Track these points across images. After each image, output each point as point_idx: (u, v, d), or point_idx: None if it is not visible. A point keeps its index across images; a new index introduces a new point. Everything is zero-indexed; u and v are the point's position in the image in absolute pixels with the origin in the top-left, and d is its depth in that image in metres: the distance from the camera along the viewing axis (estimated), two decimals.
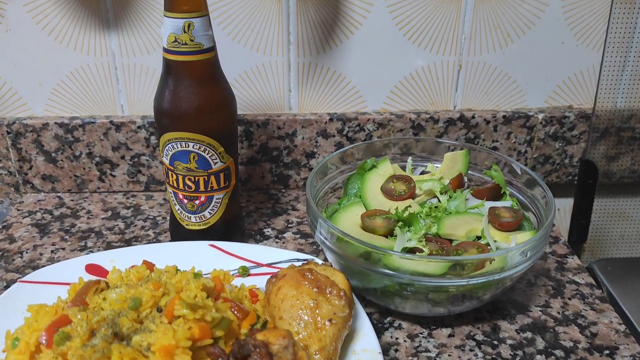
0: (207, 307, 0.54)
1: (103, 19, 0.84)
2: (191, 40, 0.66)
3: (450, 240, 0.70)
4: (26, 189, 0.94)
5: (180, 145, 0.70)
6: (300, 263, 0.71)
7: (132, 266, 0.71)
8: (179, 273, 0.63)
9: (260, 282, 0.70)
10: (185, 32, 0.66)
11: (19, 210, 0.90)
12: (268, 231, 0.85)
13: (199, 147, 0.70)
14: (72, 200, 0.93)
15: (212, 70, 0.70)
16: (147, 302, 0.55)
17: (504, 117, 0.92)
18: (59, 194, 0.94)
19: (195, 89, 0.68)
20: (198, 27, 0.66)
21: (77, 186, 0.94)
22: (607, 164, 0.95)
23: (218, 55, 0.70)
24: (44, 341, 0.52)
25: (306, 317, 0.58)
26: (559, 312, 0.71)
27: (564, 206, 1.02)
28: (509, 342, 0.66)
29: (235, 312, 0.58)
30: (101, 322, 0.52)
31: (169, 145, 0.71)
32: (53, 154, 0.91)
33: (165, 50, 0.68)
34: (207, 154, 0.71)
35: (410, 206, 0.72)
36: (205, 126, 0.69)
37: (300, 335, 0.57)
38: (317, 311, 0.58)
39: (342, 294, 0.60)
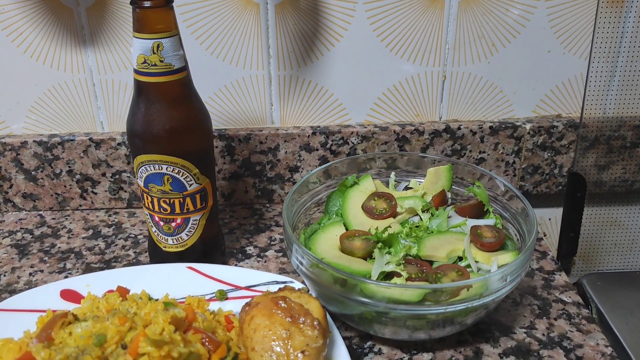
0: (175, 342, 0.53)
1: (79, 35, 0.83)
2: (161, 61, 0.65)
3: (431, 262, 0.68)
4: (7, 208, 0.92)
5: (154, 168, 0.69)
6: (277, 287, 0.69)
7: (109, 291, 0.70)
8: (150, 302, 0.61)
9: (237, 307, 0.68)
10: (154, 52, 0.64)
11: None
12: (250, 249, 0.84)
13: (173, 170, 0.69)
14: (53, 218, 0.91)
15: (184, 91, 0.68)
16: (112, 337, 0.53)
17: (490, 127, 0.90)
18: (40, 212, 0.93)
19: (166, 111, 0.67)
20: (167, 47, 0.65)
21: (58, 204, 0.92)
22: (598, 174, 0.93)
23: (190, 75, 0.69)
24: None
25: (278, 349, 0.56)
26: (544, 334, 0.69)
27: (555, 216, 1.00)
28: None
29: (207, 343, 0.57)
30: (65, 359, 0.51)
31: (143, 167, 0.69)
32: (33, 172, 0.89)
33: (135, 71, 0.66)
34: (182, 175, 0.69)
35: (390, 226, 0.71)
36: (178, 148, 0.68)
37: None
38: (290, 342, 0.57)
39: (315, 323, 0.58)
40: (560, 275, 0.79)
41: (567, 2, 0.84)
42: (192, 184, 0.70)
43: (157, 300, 0.64)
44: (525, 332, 0.69)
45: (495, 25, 0.85)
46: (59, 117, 0.88)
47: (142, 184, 0.71)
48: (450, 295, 0.60)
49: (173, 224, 0.73)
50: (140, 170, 0.70)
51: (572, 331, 0.70)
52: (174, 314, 0.57)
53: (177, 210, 0.71)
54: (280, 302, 0.60)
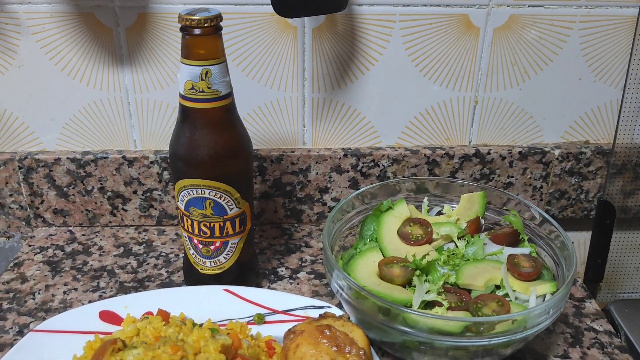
0: None
1: (117, 54, 0.83)
2: (208, 88, 0.65)
3: (469, 290, 0.69)
4: (37, 223, 0.93)
5: (196, 192, 0.69)
6: (316, 312, 0.70)
7: (147, 312, 0.70)
8: (196, 328, 0.62)
9: (276, 331, 0.69)
10: (202, 79, 0.65)
11: (30, 245, 0.89)
12: (282, 270, 0.85)
13: (215, 194, 0.69)
14: (83, 235, 0.92)
15: (229, 117, 0.69)
16: None
17: (519, 152, 0.91)
18: (70, 228, 0.93)
19: (212, 136, 0.67)
20: (215, 74, 0.65)
21: (88, 220, 0.93)
22: (624, 200, 0.94)
23: (235, 101, 0.69)
24: None
25: None
26: None
27: (579, 239, 1.01)
28: None
29: None
30: None
31: (185, 191, 0.70)
32: (65, 189, 0.90)
33: (182, 96, 0.67)
34: (223, 200, 0.70)
35: (428, 254, 0.71)
36: (221, 173, 0.69)
37: None
38: None
39: (361, 353, 0.59)
40: (590, 302, 0.80)
41: (600, 32, 0.85)
42: (232, 208, 0.71)
43: (200, 325, 0.65)
44: None
45: (529, 53, 0.86)
46: (93, 135, 0.89)
47: (182, 207, 0.71)
48: (490, 327, 0.61)
49: (212, 247, 0.73)
50: (181, 194, 0.70)
51: None
52: (223, 342, 0.58)
53: (217, 233, 0.72)
54: (326, 330, 0.61)
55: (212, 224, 0.71)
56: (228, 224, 0.72)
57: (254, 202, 0.89)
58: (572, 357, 0.71)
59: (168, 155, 0.88)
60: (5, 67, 0.83)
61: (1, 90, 0.85)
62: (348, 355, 0.59)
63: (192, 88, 0.66)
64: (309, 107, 0.88)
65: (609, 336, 0.74)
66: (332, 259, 0.67)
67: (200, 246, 0.73)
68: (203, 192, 0.69)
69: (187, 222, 0.72)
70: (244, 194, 0.72)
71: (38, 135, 0.89)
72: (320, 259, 0.87)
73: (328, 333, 0.60)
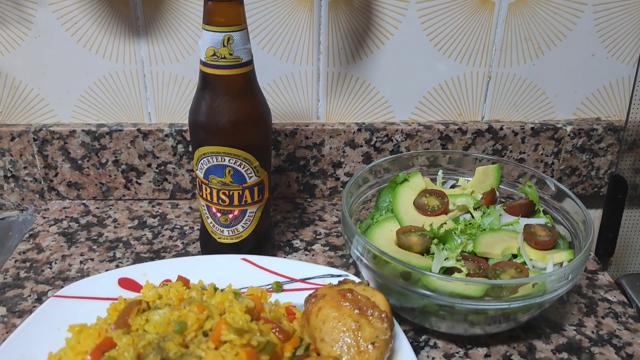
0: (252, 331, 0.54)
1: (133, 26, 0.83)
2: (230, 54, 0.66)
3: (486, 259, 0.69)
4: (51, 196, 0.93)
5: (216, 160, 0.70)
6: (334, 280, 0.71)
7: (166, 280, 0.71)
8: (219, 292, 0.62)
9: (294, 299, 0.69)
10: (224, 46, 0.65)
11: (44, 217, 0.89)
12: (297, 243, 0.85)
13: (235, 162, 0.70)
14: (97, 207, 0.92)
15: (250, 84, 0.69)
16: (192, 325, 0.54)
17: (532, 129, 0.92)
18: (84, 201, 0.93)
19: (233, 104, 0.68)
20: (237, 41, 0.65)
21: (102, 193, 0.93)
22: (635, 177, 0.94)
23: (255, 69, 0.69)
24: None
25: (349, 340, 0.58)
26: (593, 332, 0.71)
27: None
28: None
29: (277, 333, 0.58)
30: (147, 346, 0.52)
31: (204, 159, 0.70)
32: (79, 161, 0.90)
33: (203, 63, 0.67)
34: (243, 168, 0.70)
35: (445, 223, 0.72)
36: (242, 141, 0.69)
37: (344, 359, 0.56)
38: (360, 334, 0.58)
39: (383, 315, 0.60)
40: (603, 275, 0.81)
41: (614, 8, 0.85)
42: (252, 177, 0.71)
43: (222, 290, 0.65)
44: (575, 330, 0.71)
45: (543, 28, 0.86)
46: (108, 107, 0.89)
47: (201, 176, 0.72)
48: (510, 292, 0.61)
49: (230, 216, 0.74)
50: (201, 161, 0.71)
51: (620, 329, 0.71)
52: (247, 304, 0.59)
53: (236, 202, 0.72)
54: (348, 294, 0.61)
55: (231, 192, 0.72)
56: (247, 192, 0.72)
57: None
58: (587, 326, 0.72)
59: (186, 126, 0.88)
60: (22, 38, 0.83)
61: (17, 62, 0.85)
62: (370, 318, 0.59)
63: (214, 55, 0.66)
64: (324, 81, 0.89)
65: (623, 306, 0.75)
66: (352, 226, 0.67)
67: (219, 215, 0.74)
68: (223, 160, 0.70)
69: (206, 190, 0.72)
70: (263, 163, 0.72)
71: (53, 108, 0.89)
72: (335, 232, 0.88)
73: (350, 296, 0.61)
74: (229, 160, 0.70)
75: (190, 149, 0.90)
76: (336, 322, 0.59)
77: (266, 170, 0.73)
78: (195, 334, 0.54)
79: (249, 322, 0.55)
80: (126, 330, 0.55)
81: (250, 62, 0.68)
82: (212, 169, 0.70)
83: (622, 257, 0.99)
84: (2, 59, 0.85)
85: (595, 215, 1.00)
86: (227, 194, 0.72)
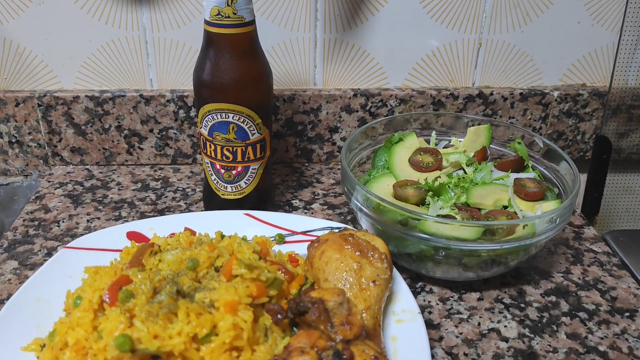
0: (261, 268, 0.57)
1: None
2: (234, 14, 0.68)
3: (479, 209, 0.73)
4: (55, 162, 0.95)
5: (220, 116, 0.73)
6: (336, 230, 0.74)
7: (172, 234, 0.73)
8: (226, 238, 0.65)
9: (296, 249, 0.73)
10: (228, 5, 0.68)
11: (49, 181, 0.92)
12: (296, 202, 0.88)
13: (239, 118, 0.73)
14: (100, 172, 0.95)
15: (253, 44, 0.72)
16: (204, 262, 0.57)
17: (520, 94, 0.95)
18: (87, 167, 0.96)
19: (237, 62, 0.71)
20: (241, 0, 0.68)
21: (105, 159, 0.96)
22: (618, 141, 0.99)
23: (257, 30, 0.72)
24: (107, 299, 0.55)
25: (351, 279, 0.61)
26: (579, 278, 0.75)
27: None
28: (535, 305, 0.70)
29: (283, 274, 0.61)
30: (162, 281, 0.55)
31: (209, 116, 0.73)
32: (82, 127, 0.92)
33: (208, 23, 0.70)
34: (246, 125, 0.73)
35: (439, 177, 0.75)
36: (245, 98, 0.72)
37: (348, 294, 0.60)
38: (361, 273, 0.61)
39: (383, 257, 0.63)
40: (589, 229, 0.85)
41: None
42: (254, 134, 0.74)
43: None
44: (562, 276, 0.75)
45: None
46: (110, 74, 0.91)
47: (206, 133, 0.75)
48: (503, 235, 0.65)
49: (233, 172, 0.77)
50: (206, 119, 0.74)
51: (605, 276, 0.75)
52: (254, 246, 0.62)
53: (239, 158, 0.75)
54: (349, 238, 0.64)
55: (234, 149, 0.75)
56: (250, 149, 0.75)
57: None
58: (574, 273, 0.76)
59: (188, 91, 0.91)
60: (26, 5, 0.86)
61: (21, 28, 0.87)
62: (371, 259, 0.63)
63: (218, 14, 0.68)
64: (321, 48, 0.92)
65: (607, 256, 0.79)
66: (353, 177, 0.70)
67: (223, 171, 0.77)
68: (227, 116, 0.72)
69: (210, 147, 0.75)
70: (265, 121, 0.75)
71: (57, 74, 0.91)
72: (332, 192, 0.91)
73: (351, 240, 0.64)
74: (233, 117, 0.72)
75: (191, 114, 0.92)
76: (339, 263, 0.62)
77: (268, 128, 0.76)
78: (207, 271, 0.57)
79: (257, 260, 0.59)
80: (141, 268, 0.58)
81: (252, 22, 0.71)
82: (217, 126, 0.73)
83: (606, 217, 1.03)
84: (6, 25, 0.87)
85: (581, 180, 1.04)
86: (231, 150, 0.75)
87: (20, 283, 0.71)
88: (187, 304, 0.51)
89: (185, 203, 0.87)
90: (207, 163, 0.78)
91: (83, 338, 0.53)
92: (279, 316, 0.54)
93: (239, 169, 0.76)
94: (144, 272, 0.56)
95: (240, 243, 0.61)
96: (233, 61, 0.70)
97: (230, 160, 0.75)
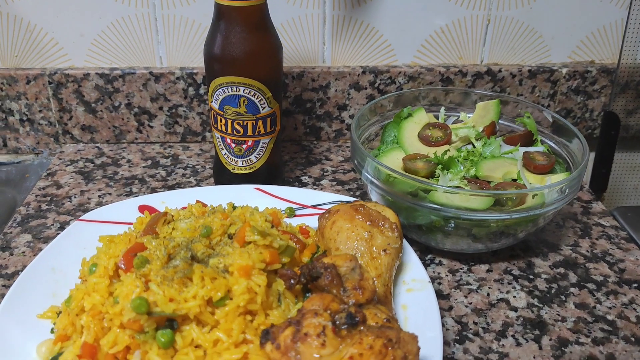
0: (273, 235, 0.58)
1: None
2: None
3: (488, 182, 0.73)
4: (65, 140, 0.96)
5: (231, 90, 0.73)
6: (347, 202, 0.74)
7: (183, 207, 0.74)
8: (238, 208, 0.66)
9: (307, 222, 0.73)
10: None
11: (60, 159, 0.93)
12: (305, 178, 0.89)
13: (249, 92, 0.73)
14: (111, 150, 0.95)
15: (263, 18, 0.72)
16: (217, 230, 0.58)
17: (529, 71, 0.95)
18: (97, 145, 0.97)
19: (248, 34, 0.71)
20: None
21: (115, 137, 0.96)
22: (626, 118, 0.99)
23: (267, 3, 0.73)
24: (122, 265, 0.55)
25: (362, 248, 0.62)
26: (587, 251, 0.75)
27: None
28: (544, 276, 0.71)
29: (295, 243, 0.62)
30: (176, 247, 0.56)
31: (220, 89, 0.74)
32: (93, 105, 0.93)
33: None
34: (257, 98, 0.74)
35: (449, 150, 0.76)
36: (256, 71, 0.72)
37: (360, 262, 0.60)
38: (372, 242, 0.62)
39: (394, 226, 0.64)
40: (597, 204, 0.85)
41: None
42: (265, 107, 0.75)
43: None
44: (570, 249, 0.75)
45: None
46: (120, 51, 0.92)
47: (217, 107, 0.75)
48: (513, 205, 0.65)
49: (244, 146, 0.77)
50: (216, 92, 0.74)
51: (613, 249, 0.76)
52: (266, 215, 0.62)
53: (250, 132, 0.76)
54: (360, 208, 0.65)
55: (245, 123, 0.75)
56: (260, 122, 0.76)
57: None
58: (582, 246, 0.76)
59: (197, 69, 0.91)
60: None
61: (31, 6, 0.87)
62: (382, 228, 0.63)
63: None
64: (329, 25, 0.92)
65: (616, 230, 0.79)
66: (363, 150, 0.71)
67: (233, 145, 0.77)
68: (238, 90, 0.73)
69: (221, 121, 0.76)
70: (275, 95, 0.75)
71: (67, 52, 0.91)
72: (341, 169, 0.91)
73: (362, 210, 0.65)
74: (244, 91, 0.73)
75: (201, 91, 0.93)
76: (350, 232, 0.63)
77: (278, 102, 0.76)
78: (220, 238, 0.58)
79: (270, 228, 0.59)
80: (155, 236, 0.58)
81: None
82: (228, 99, 0.74)
83: (614, 195, 1.03)
84: (17, 2, 0.87)
85: (589, 158, 1.05)
86: (242, 124, 0.75)
87: (34, 255, 0.71)
88: (202, 268, 0.52)
89: (196, 179, 0.88)
90: (218, 137, 0.78)
91: (99, 303, 0.54)
92: (292, 281, 0.54)
93: (250, 143, 0.77)
94: (158, 239, 0.57)
95: (253, 212, 0.62)
96: (244, 34, 0.71)
97: (240, 134, 0.76)
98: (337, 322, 0.49)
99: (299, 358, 0.48)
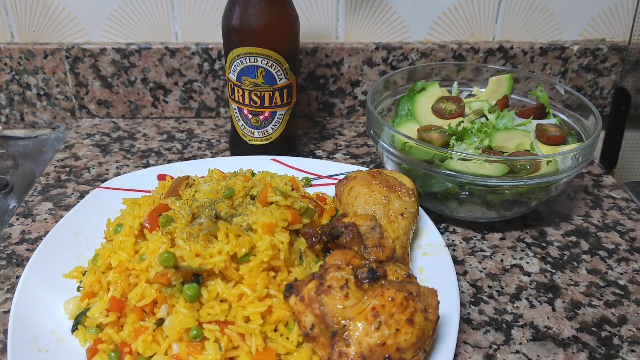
0: (294, 197, 0.59)
1: None
2: None
3: (502, 152, 0.75)
4: (82, 114, 0.97)
5: (249, 61, 0.74)
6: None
7: (202, 177, 0.75)
8: (258, 174, 0.67)
9: (323, 191, 0.74)
10: None
11: (77, 132, 0.94)
12: (319, 152, 0.90)
13: (267, 63, 0.74)
14: (126, 125, 0.97)
15: None
16: (240, 192, 0.59)
17: (540, 48, 0.96)
18: (113, 119, 0.98)
19: (266, 5, 0.72)
20: None
21: (130, 112, 0.98)
22: (636, 96, 0.99)
23: None
24: (147, 225, 0.57)
25: (379, 212, 0.63)
26: (599, 221, 0.76)
27: None
28: (556, 244, 0.72)
29: (314, 206, 0.63)
30: (200, 207, 0.57)
31: (238, 60, 0.75)
32: (109, 79, 0.94)
33: None
34: (274, 69, 0.75)
35: (462, 121, 0.77)
36: (274, 41, 0.73)
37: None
38: (389, 206, 0.63)
39: (410, 192, 0.65)
40: (607, 177, 0.86)
41: None
42: (282, 78, 0.76)
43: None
44: (582, 219, 0.77)
45: None
46: (136, 26, 0.93)
47: (234, 78, 0.76)
48: (527, 173, 0.67)
49: (261, 117, 0.78)
50: (234, 63, 0.75)
51: (624, 219, 0.77)
52: (286, 179, 0.64)
53: (267, 103, 0.77)
54: (377, 174, 0.66)
55: (262, 94, 0.76)
56: (277, 94, 0.77)
57: None
58: (594, 217, 0.77)
59: (212, 44, 0.92)
60: None
61: None
62: (399, 193, 0.64)
63: None
64: (343, 1, 0.93)
65: (626, 202, 0.81)
66: (380, 119, 0.72)
67: (250, 116, 0.78)
68: (256, 60, 0.74)
69: (239, 92, 0.77)
70: (292, 66, 0.76)
71: (84, 27, 0.92)
72: (354, 144, 0.93)
73: (379, 176, 0.66)
74: (261, 61, 0.74)
75: (215, 67, 0.94)
76: (367, 197, 0.64)
77: (295, 74, 0.77)
78: (242, 200, 0.59)
79: (290, 190, 0.61)
80: (178, 197, 0.60)
81: None
82: (245, 70, 0.75)
83: (623, 171, 1.04)
84: None
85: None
86: (259, 95, 0.76)
87: (56, 222, 0.73)
88: (227, 225, 0.53)
89: (211, 152, 0.89)
90: (235, 109, 0.79)
91: (126, 260, 0.55)
92: (314, 239, 0.56)
93: (266, 114, 0.78)
94: (181, 200, 0.58)
95: (273, 176, 0.63)
96: (262, 4, 0.72)
97: (257, 105, 0.77)
98: (359, 277, 0.50)
99: (323, 309, 0.49)
